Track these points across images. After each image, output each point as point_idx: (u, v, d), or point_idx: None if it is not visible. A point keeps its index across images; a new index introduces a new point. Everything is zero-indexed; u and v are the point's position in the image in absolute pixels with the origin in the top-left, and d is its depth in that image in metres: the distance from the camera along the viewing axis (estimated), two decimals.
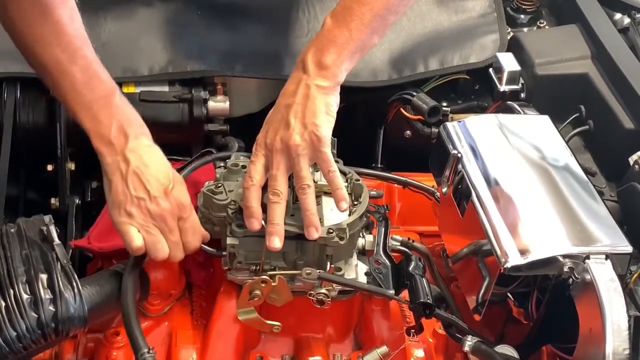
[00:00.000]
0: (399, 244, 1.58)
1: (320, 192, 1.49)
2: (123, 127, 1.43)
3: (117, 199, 1.41)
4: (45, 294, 1.27)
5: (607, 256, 1.34)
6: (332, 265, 1.45)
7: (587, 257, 1.34)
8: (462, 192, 1.52)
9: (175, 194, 1.42)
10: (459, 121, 1.65)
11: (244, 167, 1.54)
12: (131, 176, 1.41)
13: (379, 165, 1.98)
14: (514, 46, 1.98)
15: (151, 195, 1.41)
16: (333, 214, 1.46)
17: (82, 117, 1.44)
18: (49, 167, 1.80)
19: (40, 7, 1.42)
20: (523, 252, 1.36)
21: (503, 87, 1.91)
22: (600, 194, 1.52)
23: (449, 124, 1.64)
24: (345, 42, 1.49)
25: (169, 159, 1.79)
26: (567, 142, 1.63)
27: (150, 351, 1.28)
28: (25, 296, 1.26)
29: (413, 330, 1.47)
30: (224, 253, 1.46)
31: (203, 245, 1.48)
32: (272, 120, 1.46)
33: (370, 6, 1.50)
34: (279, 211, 1.40)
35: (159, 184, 1.42)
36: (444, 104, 1.95)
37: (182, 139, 1.88)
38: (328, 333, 1.56)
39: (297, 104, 1.45)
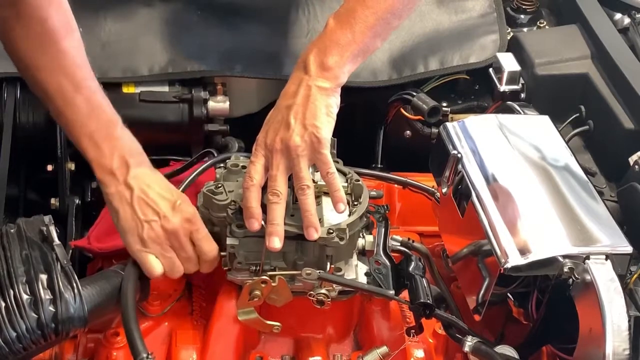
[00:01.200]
0: (399, 244, 1.58)
1: (320, 193, 1.49)
2: (125, 157, 1.44)
3: (128, 226, 1.42)
4: (45, 295, 1.27)
5: (607, 256, 1.35)
6: (332, 266, 1.45)
7: (587, 258, 1.34)
8: (462, 192, 1.53)
9: (183, 207, 1.43)
10: (459, 121, 1.65)
11: (244, 167, 1.53)
12: (137, 201, 1.42)
13: (379, 166, 1.98)
14: (514, 46, 1.98)
15: (161, 215, 1.42)
16: (333, 215, 1.46)
17: (85, 147, 1.45)
18: (49, 167, 1.80)
19: (47, 37, 1.43)
20: (523, 253, 1.36)
21: (503, 87, 1.91)
22: (600, 194, 1.52)
23: (449, 124, 1.64)
24: (348, 44, 1.49)
25: (168, 159, 1.80)
26: (567, 142, 1.63)
27: (149, 356, 1.28)
28: (25, 296, 1.26)
29: (413, 331, 1.47)
30: (223, 253, 1.46)
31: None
32: (272, 120, 1.46)
33: (375, 9, 1.50)
34: (278, 211, 1.40)
35: (165, 202, 1.43)
36: (444, 104, 1.95)
37: (182, 139, 1.88)
38: (328, 333, 1.56)
39: (298, 105, 1.45)
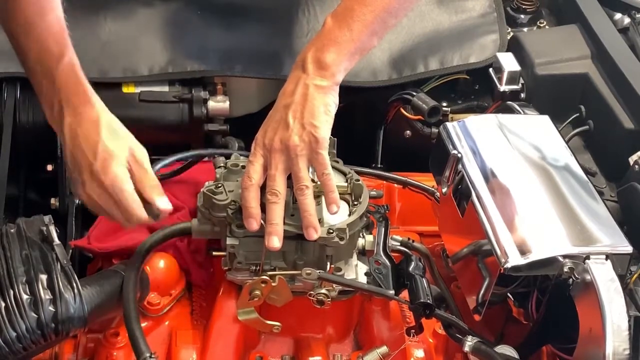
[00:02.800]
0: (399, 244, 1.58)
1: (320, 193, 1.49)
2: (61, 102, 1.42)
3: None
4: (45, 295, 1.27)
5: (607, 256, 1.35)
6: (332, 266, 1.44)
7: (587, 258, 1.34)
8: (462, 192, 1.53)
9: (101, 172, 1.39)
10: (459, 121, 1.65)
11: (243, 167, 1.53)
12: (69, 157, 1.43)
13: (379, 166, 1.98)
14: (514, 46, 1.98)
15: (81, 180, 1.41)
16: (333, 214, 1.46)
17: (40, 99, 1.46)
18: (49, 167, 1.80)
19: None
20: (523, 253, 1.36)
21: (503, 87, 1.91)
22: (600, 194, 1.52)
23: (449, 124, 1.64)
24: (345, 42, 1.49)
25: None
26: (567, 142, 1.63)
27: (153, 356, 1.28)
28: (25, 296, 1.26)
29: (413, 331, 1.47)
30: (223, 253, 1.46)
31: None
32: (271, 120, 1.46)
33: (372, 7, 1.50)
34: (277, 211, 1.40)
35: (86, 166, 1.40)
36: (444, 104, 1.95)
37: (182, 139, 1.88)
38: (328, 333, 1.56)
39: (296, 104, 1.44)
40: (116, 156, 1.40)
